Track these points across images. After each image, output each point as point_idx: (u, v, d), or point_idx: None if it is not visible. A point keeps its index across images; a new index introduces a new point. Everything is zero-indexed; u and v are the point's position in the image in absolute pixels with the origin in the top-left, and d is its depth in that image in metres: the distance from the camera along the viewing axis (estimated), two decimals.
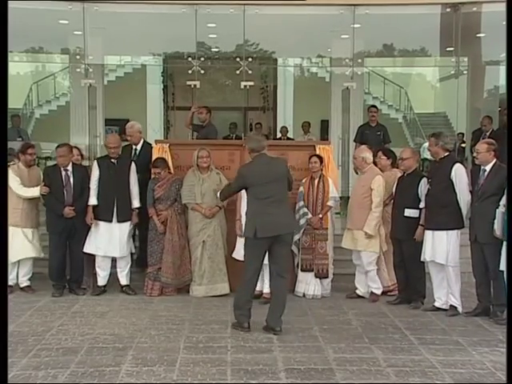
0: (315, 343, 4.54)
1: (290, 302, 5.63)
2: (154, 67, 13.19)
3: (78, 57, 10.11)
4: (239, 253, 5.93)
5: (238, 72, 10.12)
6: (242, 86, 10.15)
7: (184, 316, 5.30)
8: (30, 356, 4.23)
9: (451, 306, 5.40)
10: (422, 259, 5.44)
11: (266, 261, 5.26)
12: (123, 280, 6.13)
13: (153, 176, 6.06)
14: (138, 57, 13.07)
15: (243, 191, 5.32)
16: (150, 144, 6.77)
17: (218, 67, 12.15)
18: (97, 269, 6.10)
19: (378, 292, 5.92)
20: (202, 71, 10.07)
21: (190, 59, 10.16)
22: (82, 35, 9.66)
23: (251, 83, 10.25)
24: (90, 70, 9.88)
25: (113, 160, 6.06)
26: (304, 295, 6.00)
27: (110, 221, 5.96)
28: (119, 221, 5.98)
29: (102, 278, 6.10)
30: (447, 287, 5.41)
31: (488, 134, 8.21)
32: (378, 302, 5.84)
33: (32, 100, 13.55)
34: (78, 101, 10.49)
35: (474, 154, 5.38)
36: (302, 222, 5.93)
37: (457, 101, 10.20)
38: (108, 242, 5.96)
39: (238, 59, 10.22)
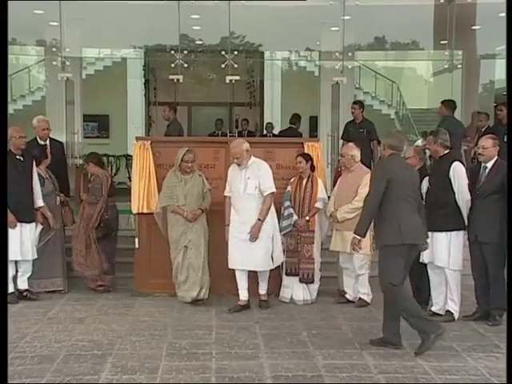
0: (304, 349, 4.43)
1: (277, 307, 5.63)
2: (134, 60, 12.92)
3: (54, 49, 9.93)
4: (231, 262, 5.64)
5: (223, 66, 9.99)
6: (228, 81, 10.00)
7: (166, 321, 5.18)
8: None
9: (448, 311, 5.25)
10: (420, 261, 5.26)
11: (246, 266, 5.30)
12: (24, 284, 5.81)
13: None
14: (117, 50, 12.80)
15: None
16: (58, 141, 6.81)
17: (202, 61, 12.07)
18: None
19: (367, 299, 5.69)
20: (186, 65, 9.98)
21: (172, 52, 10.05)
22: (58, 26, 9.47)
23: (237, 77, 10.11)
24: (67, 63, 9.72)
25: (18, 156, 5.67)
26: (292, 300, 5.76)
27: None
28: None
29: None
30: (446, 292, 5.25)
31: (483, 130, 8.07)
32: (369, 305, 5.66)
33: None
34: (55, 96, 10.27)
35: (480, 151, 5.20)
36: (286, 223, 5.68)
37: (451, 96, 10.00)
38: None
39: (223, 52, 10.11)
